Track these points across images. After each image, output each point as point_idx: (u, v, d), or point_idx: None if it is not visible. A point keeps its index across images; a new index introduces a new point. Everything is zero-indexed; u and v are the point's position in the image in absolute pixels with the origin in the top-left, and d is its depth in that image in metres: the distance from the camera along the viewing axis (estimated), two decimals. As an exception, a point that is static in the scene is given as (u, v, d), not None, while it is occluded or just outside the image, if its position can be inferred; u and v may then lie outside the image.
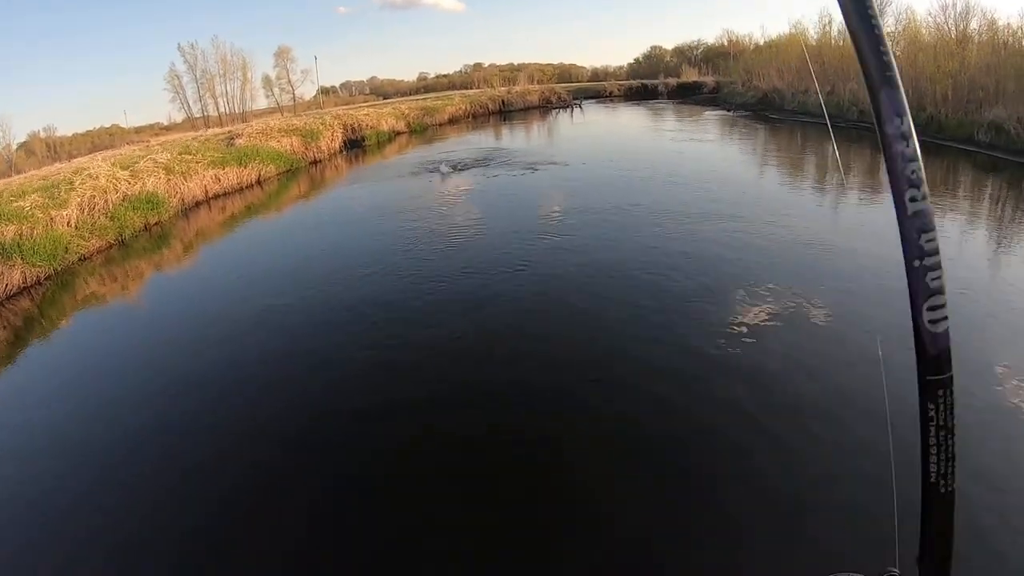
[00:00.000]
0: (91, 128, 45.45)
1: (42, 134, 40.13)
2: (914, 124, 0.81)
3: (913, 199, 0.79)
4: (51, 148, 37.32)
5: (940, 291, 0.79)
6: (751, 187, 12.86)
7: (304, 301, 8.13)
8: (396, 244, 9.94)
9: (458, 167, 15.66)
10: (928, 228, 0.78)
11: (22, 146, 37.39)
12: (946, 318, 0.80)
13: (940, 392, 0.81)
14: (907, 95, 0.81)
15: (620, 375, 5.29)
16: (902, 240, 0.79)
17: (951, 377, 0.81)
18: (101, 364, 7.31)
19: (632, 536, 3.47)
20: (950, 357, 0.81)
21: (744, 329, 5.84)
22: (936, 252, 0.79)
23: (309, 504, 4.04)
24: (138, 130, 45.12)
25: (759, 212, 10.16)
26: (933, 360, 0.81)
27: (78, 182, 12.32)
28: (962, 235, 8.54)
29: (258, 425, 5.21)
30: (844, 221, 10.04)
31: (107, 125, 46.38)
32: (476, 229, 10.37)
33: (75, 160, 17.53)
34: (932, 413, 0.82)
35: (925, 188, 0.79)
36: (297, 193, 16.99)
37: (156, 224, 12.91)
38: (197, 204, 14.79)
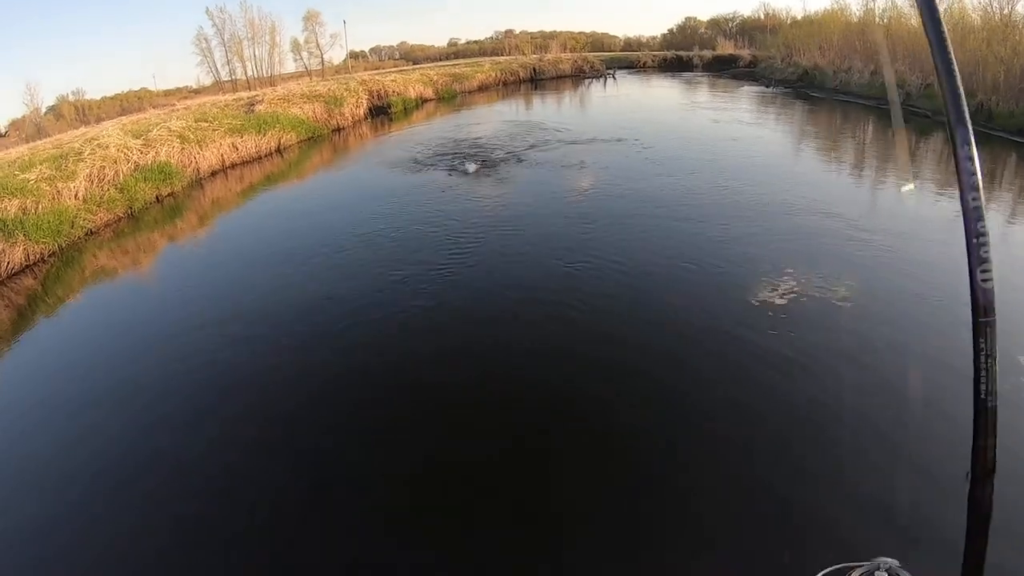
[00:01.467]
0: (120, 91, 45.20)
1: (71, 98, 40.05)
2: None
3: (974, 199, 1.13)
4: (80, 112, 37.19)
5: (988, 260, 1.13)
6: (792, 167, 12.05)
7: (317, 276, 7.77)
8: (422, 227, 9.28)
9: (486, 163, 13.03)
10: (981, 218, 1.13)
11: (51, 110, 37.36)
12: (992, 279, 1.13)
13: (987, 330, 1.14)
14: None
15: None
16: (964, 225, 1.14)
17: (995, 320, 1.14)
18: (106, 342, 6.96)
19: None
20: (994, 306, 1.14)
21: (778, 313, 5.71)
22: (986, 233, 1.12)
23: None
24: (167, 93, 44.76)
25: (801, 194, 9.67)
26: (983, 307, 1.14)
27: (87, 152, 11.77)
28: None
29: (273, 406, 5.04)
30: (893, 209, 9.43)
31: (136, 88, 46.09)
32: (510, 217, 9.55)
33: (90, 127, 17.01)
34: (982, 345, 1.15)
35: (982, 190, 1.15)
36: (318, 162, 16.30)
37: (169, 195, 12.36)
38: (213, 174, 14.18)
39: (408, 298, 6.81)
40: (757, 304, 5.96)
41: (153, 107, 30.89)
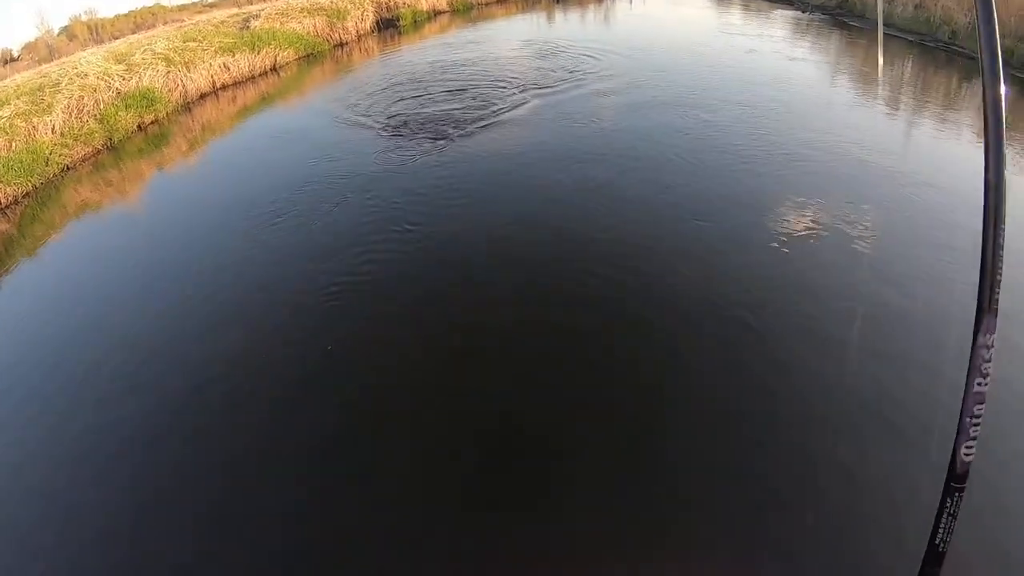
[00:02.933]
0: (133, 8, 43.76)
1: (83, 17, 38.95)
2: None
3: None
4: (93, 31, 36.21)
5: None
6: (823, 99, 10.84)
7: (314, 204, 7.57)
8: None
9: (500, 86, 11.31)
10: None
11: (64, 31, 36.49)
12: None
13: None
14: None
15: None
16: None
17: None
18: (86, 281, 6.90)
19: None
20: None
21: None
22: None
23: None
24: (181, 8, 43.14)
25: (827, 128, 8.80)
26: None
27: (65, 82, 11.21)
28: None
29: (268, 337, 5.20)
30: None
31: (150, 4, 44.54)
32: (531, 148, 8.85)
33: (70, 56, 16.25)
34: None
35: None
36: (317, 79, 15.39)
37: (152, 123, 11.82)
38: (202, 97, 13.48)
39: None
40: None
41: (165, 23, 29.80)
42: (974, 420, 1.06)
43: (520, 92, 11.07)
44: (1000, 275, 1.03)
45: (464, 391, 4.41)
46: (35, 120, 10.05)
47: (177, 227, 7.81)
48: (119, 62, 12.52)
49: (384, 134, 9.68)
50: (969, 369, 1.06)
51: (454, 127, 9.54)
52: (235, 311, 5.67)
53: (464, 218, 6.88)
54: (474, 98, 10.95)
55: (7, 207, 8.83)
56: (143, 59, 12.84)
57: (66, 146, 10.05)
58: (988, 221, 1.03)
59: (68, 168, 9.88)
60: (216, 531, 3.58)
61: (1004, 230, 1.02)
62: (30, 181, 9.15)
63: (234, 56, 14.80)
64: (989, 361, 1.05)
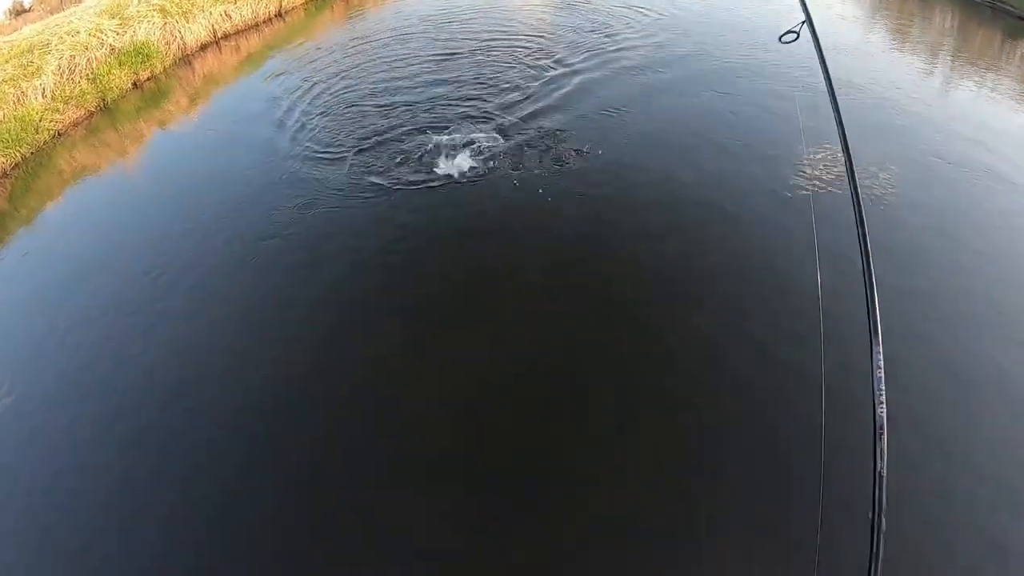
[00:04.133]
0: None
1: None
2: None
3: None
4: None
5: None
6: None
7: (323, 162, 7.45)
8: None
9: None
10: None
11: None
12: None
13: None
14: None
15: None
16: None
17: None
18: (82, 250, 6.83)
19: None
20: None
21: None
22: None
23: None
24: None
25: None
26: None
27: (55, 43, 10.69)
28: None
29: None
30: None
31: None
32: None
33: (65, 11, 15.68)
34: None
35: None
36: (327, 23, 14.38)
37: (148, 79, 11.23)
38: (202, 48, 12.74)
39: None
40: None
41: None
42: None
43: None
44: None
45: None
46: (24, 85, 9.61)
47: (176, 194, 7.57)
48: (113, 17, 11.87)
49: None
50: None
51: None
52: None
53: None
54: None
55: (-4, 181, 8.52)
56: (138, 11, 12.15)
57: (57, 111, 9.62)
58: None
59: (60, 134, 9.46)
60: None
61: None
62: (19, 151, 8.78)
63: (236, 3, 13.91)
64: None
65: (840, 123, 2.13)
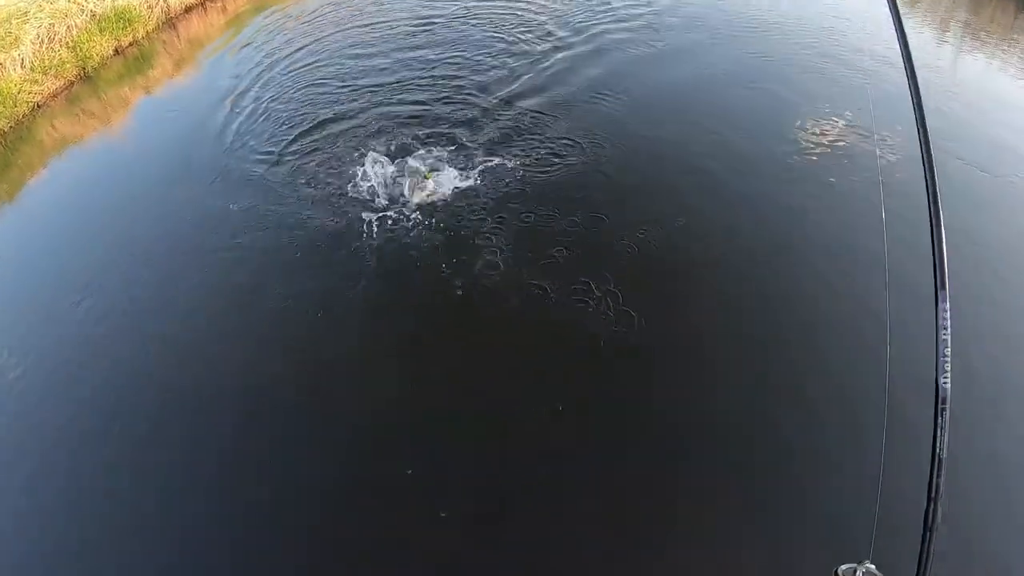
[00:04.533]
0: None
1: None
2: None
3: None
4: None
5: None
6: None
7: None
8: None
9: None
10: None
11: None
12: None
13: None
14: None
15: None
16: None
17: None
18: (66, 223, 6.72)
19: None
20: None
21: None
22: None
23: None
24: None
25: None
26: None
27: (34, 10, 10.23)
28: None
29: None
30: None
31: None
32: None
33: None
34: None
35: None
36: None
37: (131, 45, 10.76)
38: (188, 9, 12.14)
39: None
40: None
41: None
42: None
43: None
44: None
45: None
46: (1, 56, 9.22)
47: (160, 162, 7.38)
48: (92, -19, 11.31)
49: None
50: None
51: None
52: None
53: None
54: None
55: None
56: (117, -26, 11.56)
57: (35, 82, 9.24)
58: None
59: (39, 106, 9.12)
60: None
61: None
62: (-3, 125, 8.45)
63: (221, -43, 13.19)
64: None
65: (913, 74, 1.77)
